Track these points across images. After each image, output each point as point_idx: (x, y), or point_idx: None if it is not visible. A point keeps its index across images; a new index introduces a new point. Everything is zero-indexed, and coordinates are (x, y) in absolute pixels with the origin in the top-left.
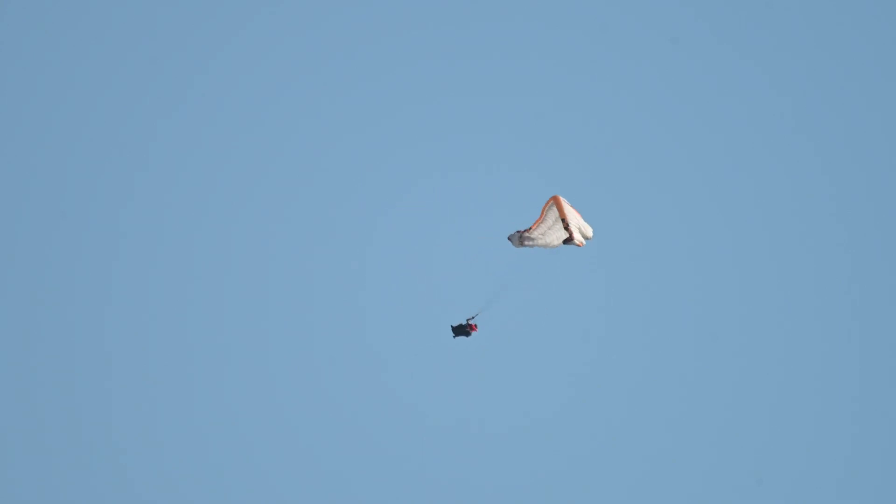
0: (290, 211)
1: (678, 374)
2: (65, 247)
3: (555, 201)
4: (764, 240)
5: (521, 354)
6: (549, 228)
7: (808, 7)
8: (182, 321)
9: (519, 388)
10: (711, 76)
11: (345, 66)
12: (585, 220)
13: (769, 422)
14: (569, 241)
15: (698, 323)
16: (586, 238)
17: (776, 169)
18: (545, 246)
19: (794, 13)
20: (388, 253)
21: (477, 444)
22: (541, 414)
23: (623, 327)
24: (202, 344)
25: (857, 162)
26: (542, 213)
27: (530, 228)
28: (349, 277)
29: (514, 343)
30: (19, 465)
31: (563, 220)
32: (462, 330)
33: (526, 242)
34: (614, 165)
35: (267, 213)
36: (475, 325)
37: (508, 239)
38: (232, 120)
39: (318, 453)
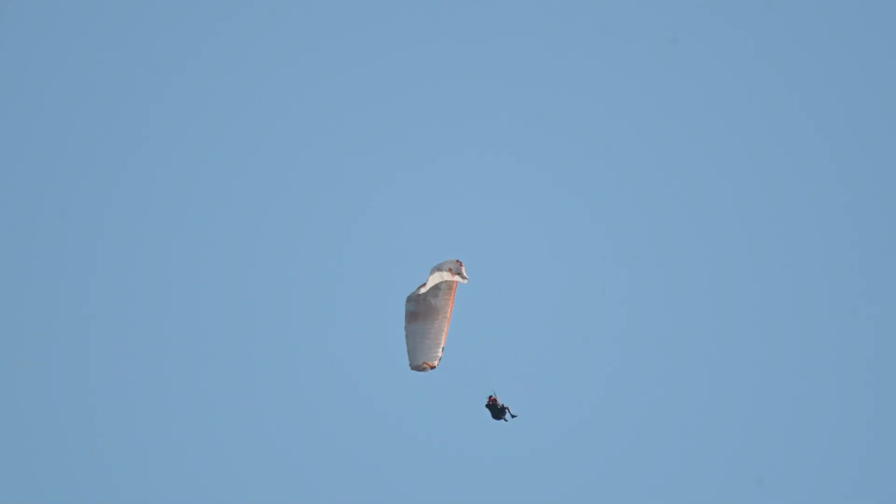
0: (272, 207)
1: (679, 377)
2: (51, 245)
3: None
4: (763, 240)
5: (521, 359)
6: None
7: (810, 5)
8: (166, 319)
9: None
10: (711, 76)
11: (329, 54)
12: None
13: (773, 425)
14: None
15: (698, 324)
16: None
17: (778, 169)
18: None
19: (795, 12)
20: (372, 250)
21: (472, 459)
22: (538, 415)
23: (621, 328)
24: (186, 344)
25: (862, 161)
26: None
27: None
28: (331, 277)
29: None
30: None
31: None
32: (497, 411)
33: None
34: (612, 165)
35: (248, 209)
36: (495, 398)
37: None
38: (212, 116)
39: (301, 459)
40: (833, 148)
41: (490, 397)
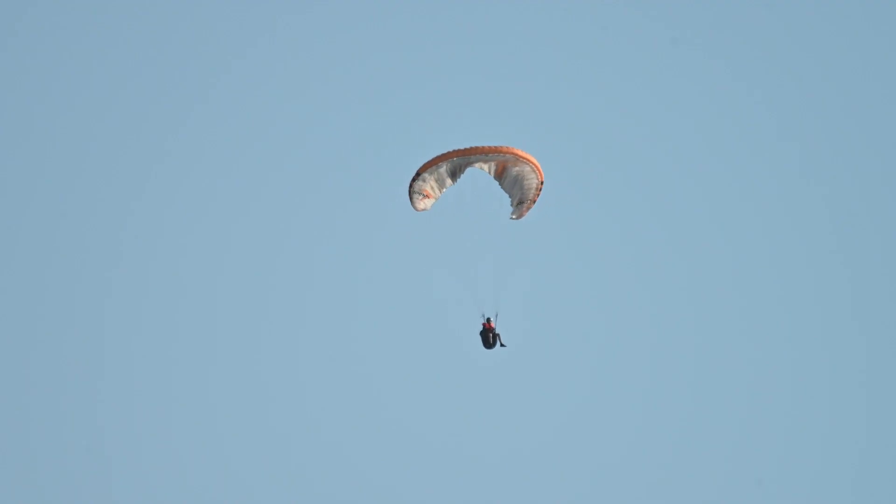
0: (289, 217)
1: (679, 377)
2: (61, 247)
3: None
4: (764, 244)
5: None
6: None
7: (812, 8)
8: (178, 325)
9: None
10: (712, 78)
11: (349, 73)
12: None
13: (772, 425)
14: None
15: (697, 325)
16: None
17: (778, 172)
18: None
19: (796, 14)
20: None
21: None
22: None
23: (620, 328)
24: (196, 350)
25: (859, 164)
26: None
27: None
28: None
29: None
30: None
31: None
32: (489, 339)
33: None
34: (609, 164)
35: (264, 219)
36: (490, 324)
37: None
38: (207, 114)
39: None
40: (834, 148)
41: (485, 323)
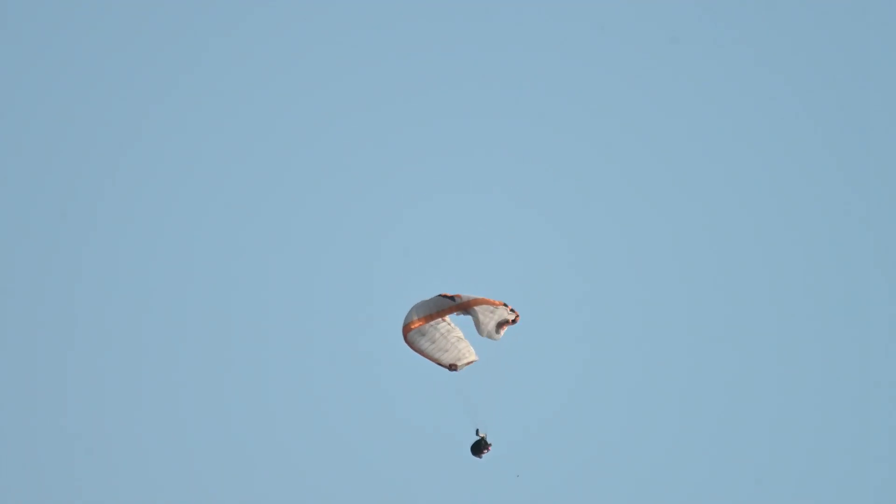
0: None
1: (679, 378)
2: (57, 246)
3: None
4: (764, 245)
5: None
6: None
7: (813, 6)
8: (174, 324)
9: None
10: (711, 77)
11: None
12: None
13: (772, 425)
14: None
15: (697, 325)
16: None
17: (779, 170)
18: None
19: (798, 12)
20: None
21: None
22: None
23: (618, 330)
24: (194, 353)
25: (861, 164)
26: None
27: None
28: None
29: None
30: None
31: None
32: (479, 448)
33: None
34: (613, 172)
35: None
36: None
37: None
38: (208, 113)
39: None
40: (835, 148)
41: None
